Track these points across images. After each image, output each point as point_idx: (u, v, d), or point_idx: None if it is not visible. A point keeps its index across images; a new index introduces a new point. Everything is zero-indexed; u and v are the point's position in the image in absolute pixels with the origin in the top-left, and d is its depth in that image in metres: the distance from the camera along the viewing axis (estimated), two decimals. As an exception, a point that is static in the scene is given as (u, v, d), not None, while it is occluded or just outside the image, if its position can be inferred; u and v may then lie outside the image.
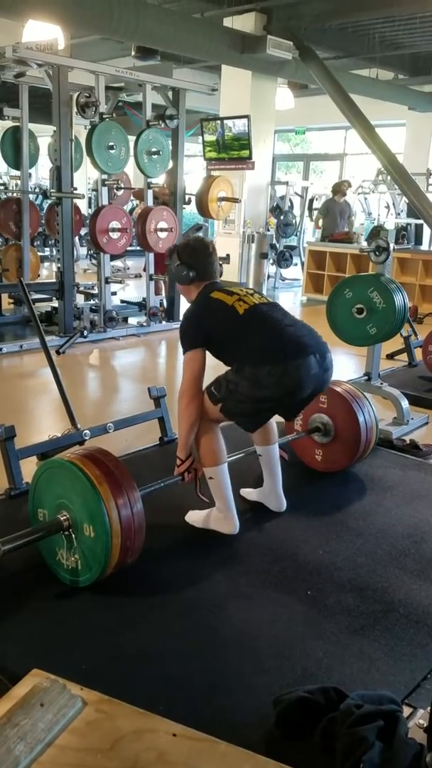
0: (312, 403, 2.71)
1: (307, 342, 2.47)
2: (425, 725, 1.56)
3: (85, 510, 2.20)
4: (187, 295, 2.73)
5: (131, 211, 9.69)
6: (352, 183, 10.11)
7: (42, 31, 5.96)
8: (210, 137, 8.24)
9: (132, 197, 8.24)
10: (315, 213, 10.11)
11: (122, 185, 6.50)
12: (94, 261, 8.50)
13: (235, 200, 6.81)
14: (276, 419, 2.78)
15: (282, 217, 9.85)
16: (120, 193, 7.16)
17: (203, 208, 6.57)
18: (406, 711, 1.73)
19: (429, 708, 1.50)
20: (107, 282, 6.27)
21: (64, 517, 2.26)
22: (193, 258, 2.66)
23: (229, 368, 2.55)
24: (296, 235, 10.40)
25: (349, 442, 3.17)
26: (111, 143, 5.78)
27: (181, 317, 2.90)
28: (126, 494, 2.21)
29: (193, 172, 7.37)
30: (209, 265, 2.70)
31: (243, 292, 2.62)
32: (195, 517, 2.72)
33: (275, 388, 2.41)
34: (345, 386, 3.26)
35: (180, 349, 2.66)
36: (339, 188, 9.58)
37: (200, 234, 2.68)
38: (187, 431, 2.57)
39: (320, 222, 9.72)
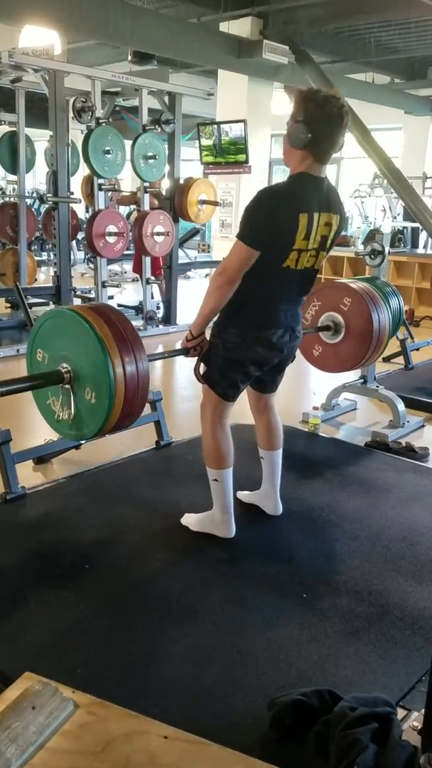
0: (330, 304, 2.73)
1: (289, 322, 2.51)
2: (419, 728, 1.56)
3: (89, 365, 2.17)
4: (287, 157, 2.38)
5: (128, 215, 9.70)
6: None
7: (39, 36, 5.99)
8: (207, 141, 8.29)
9: (117, 203, 8.07)
10: None
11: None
12: (91, 265, 8.51)
13: (215, 203, 6.78)
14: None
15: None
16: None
17: (182, 211, 6.48)
18: (401, 713, 1.73)
19: (423, 710, 1.49)
20: (104, 286, 6.26)
21: (65, 370, 2.24)
22: (320, 121, 2.24)
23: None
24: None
25: (360, 339, 3.17)
26: (107, 148, 5.78)
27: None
28: (132, 351, 2.18)
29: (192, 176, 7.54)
30: (330, 141, 2.28)
31: (317, 241, 2.47)
32: (191, 520, 2.71)
33: (258, 349, 2.44)
34: (361, 284, 3.26)
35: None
36: None
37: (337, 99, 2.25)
38: (208, 311, 2.40)
39: None
